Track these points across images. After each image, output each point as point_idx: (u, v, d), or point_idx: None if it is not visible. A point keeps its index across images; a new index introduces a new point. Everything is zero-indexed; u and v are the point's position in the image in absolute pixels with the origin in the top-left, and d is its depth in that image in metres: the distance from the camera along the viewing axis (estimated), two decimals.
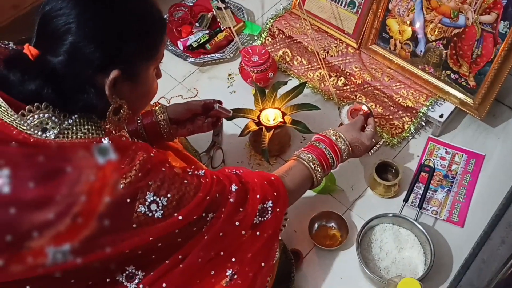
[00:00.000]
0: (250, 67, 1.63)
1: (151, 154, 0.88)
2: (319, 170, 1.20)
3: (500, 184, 1.42)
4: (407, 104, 1.52)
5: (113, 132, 0.92)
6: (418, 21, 1.49)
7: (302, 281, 1.33)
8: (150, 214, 0.84)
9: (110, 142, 0.84)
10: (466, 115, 1.55)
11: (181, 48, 1.81)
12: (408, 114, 1.54)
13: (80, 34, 0.81)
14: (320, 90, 1.68)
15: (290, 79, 1.72)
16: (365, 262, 1.30)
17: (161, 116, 1.25)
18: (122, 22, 0.85)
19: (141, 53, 0.88)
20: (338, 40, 1.69)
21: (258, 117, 1.48)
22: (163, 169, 0.88)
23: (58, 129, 0.83)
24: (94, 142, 0.83)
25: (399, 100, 1.54)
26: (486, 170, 1.48)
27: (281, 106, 1.50)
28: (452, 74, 1.48)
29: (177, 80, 1.78)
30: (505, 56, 1.35)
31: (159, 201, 0.85)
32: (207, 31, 1.83)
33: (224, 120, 1.62)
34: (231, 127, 1.62)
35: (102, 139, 0.84)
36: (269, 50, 1.70)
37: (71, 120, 0.84)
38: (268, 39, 1.79)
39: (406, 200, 1.38)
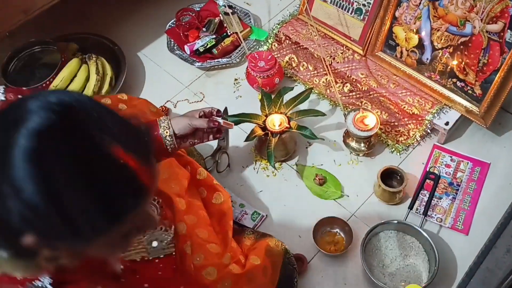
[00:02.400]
0: (257, 72, 1.64)
1: None
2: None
3: (505, 193, 1.43)
4: (413, 112, 1.53)
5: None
6: (425, 29, 1.50)
7: (306, 286, 1.33)
8: None
9: (51, 278, 0.69)
10: (471, 123, 1.55)
11: (188, 53, 1.82)
12: (414, 121, 1.54)
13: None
14: (326, 96, 1.69)
15: (296, 85, 1.72)
16: (370, 268, 1.30)
17: (166, 132, 1.16)
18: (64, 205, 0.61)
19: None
20: (344, 47, 1.69)
21: (264, 122, 1.49)
22: None
23: None
24: (26, 283, 0.69)
25: (404, 107, 1.54)
26: (491, 178, 1.48)
27: (287, 112, 1.51)
28: (458, 82, 1.48)
29: (183, 84, 1.79)
30: None
31: None
32: (214, 36, 1.84)
33: None
34: (236, 132, 1.62)
35: (39, 278, 0.69)
36: (276, 56, 1.71)
37: (4, 254, 0.67)
38: (274, 45, 1.80)
39: (411, 207, 1.39)
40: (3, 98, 0.94)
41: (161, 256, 1.00)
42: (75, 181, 0.60)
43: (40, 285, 0.69)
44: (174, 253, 1.04)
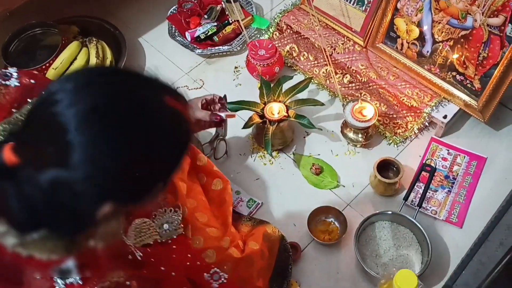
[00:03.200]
0: (257, 60, 1.64)
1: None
2: None
3: (500, 187, 1.43)
4: (411, 104, 1.53)
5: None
6: (426, 21, 1.50)
7: (299, 275, 1.34)
8: None
9: (76, 261, 0.71)
10: (470, 117, 1.55)
11: (189, 39, 1.82)
12: (412, 113, 1.54)
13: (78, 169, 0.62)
14: (325, 86, 1.69)
15: (296, 75, 1.72)
16: (363, 258, 1.31)
17: None
18: (140, 166, 0.66)
19: (150, 194, 0.72)
20: (345, 38, 1.69)
21: (263, 110, 1.49)
22: None
23: (19, 240, 0.69)
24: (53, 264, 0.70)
25: (403, 99, 1.54)
26: (487, 173, 1.48)
27: (286, 100, 1.51)
28: (457, 75, 1.48)
29: (183, 71, 1.79)
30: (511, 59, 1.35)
31: None
32: (215, 24, 1.83)
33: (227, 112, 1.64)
34: (235, 120, 1.61)
35: (66, 259, 0.71)
36: (276, 45, 1.70)
37: (36, 235, 0.69)
38: (275, 34, 1.79)
39: (406, 198, 1.39)
40: (17, 83, 0.93)
41: (174, 236, 1.02)
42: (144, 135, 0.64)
43: (65, 268, 0.70)
44: (184, 233, 1.06)
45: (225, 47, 1.79)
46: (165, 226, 1.02)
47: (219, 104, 1.29)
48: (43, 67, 1.62)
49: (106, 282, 0.74)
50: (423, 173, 1.43)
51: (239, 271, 1.17)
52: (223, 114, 1.26)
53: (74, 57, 1.66)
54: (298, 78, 1.67)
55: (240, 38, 1.81)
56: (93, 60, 1.66)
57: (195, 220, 1.22)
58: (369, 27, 1.62)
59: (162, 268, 0.93)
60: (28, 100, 0.90)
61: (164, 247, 1.02)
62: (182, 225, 1.07)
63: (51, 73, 1.63)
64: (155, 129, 0.66)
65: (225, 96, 1.68)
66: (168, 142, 0.68)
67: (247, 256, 1.20)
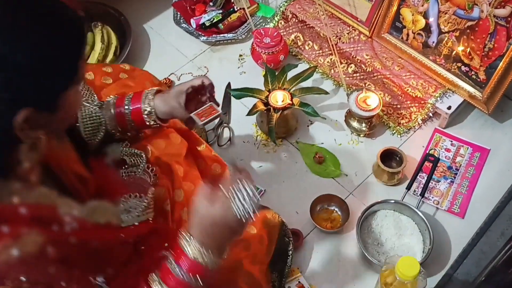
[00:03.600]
0: (262, 48, 1.64)
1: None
2: None
3: (503, 179, 1.44)
4: (416, 95, 1.53)
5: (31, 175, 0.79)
6: (432, 12, 1.49)
7: (301, 262, 1.34)
8: None
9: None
10: (474, 108, 1.55)
11: (194, 26, 1.81)
12: (416, 104, 1.54)
13: None
14: (329, 76, 1.69)
15: (300, 63, 1.72)
16: (365, 246, 1.31)
17: (146, 109, 1.13)
18: (28, 53, 0.70)
19: (56, 84, 0.75)
20: (350, 27, 1.69)
21: (267, 97, 1.49)
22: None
23: None
24: None
25: (408, 90, 1.54)
26: (490, 164, 1.48)
27: (290, 88, 1.51)
28: (462, 66, 1.48)
29: (188, 58, 1.79)
30: None
31: None
32: (221, 11, 1.83)
33: (232, 99, 1.64)
34: (239, 107, 1.63)
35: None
36: (281, 34, 1.70)
37: None
38: (281, 23, 1.79)
39: (408, 187, 1.39)
40: None
41: (136, 223, 0.97)
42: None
43: None
44: (151, 219, 1.01)
45: (230, 35, 1.79)
46: (128, 212, 0.98)
47: (207, 94, 1.19)
48: None
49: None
50: (426, 163, 1.43)
51: (234, 254, 1.15)
52: (198, 122, 1.14)
53: None
54: (302, 67, 1.67)
55: (245, 26, 1.81)
56: (98, 45, 1.66)
57: (192, 203, 1.22)
58: (374, 17, 1.62)
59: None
60: None
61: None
62: (150, 210, 1.01)
63: None
64: (50, 19, 0.73)
65: (229, 83, 1.70)
66: (64, 32, 0.74)
67: (244, 239, 1.19)
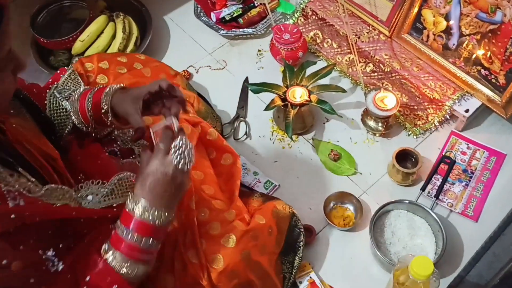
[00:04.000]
0: (281, 44, 1.64)
1: None
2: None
3: None
4: (434, 96, 1.53)
5: None
6: (454, 14, 1.49)
7: (313, 257, 1.35)
8: None
9: None
10: (491, 112, 1.55)
11: (214, 20, 1.82)
12: (434, 106, 1.54)
13: None
14: (347, 74, 1.69)
15: (319, 60, 1.73)
16: (377, 245, 1.32)
17: (104, 105, 1.06)
18: None
19: None
20: (370, 27, 1.69)
21: (285, 93, 1.50)
22: None
23: None
24: None
25: (426, 91, 1.54)
26: (506, 169, 1.48)
27: (308, 85, 1.52)
28: (482, 70, 1.48)
29: (207, 51, 1.80)
30: None
31: None
32: (241, 6, 1.84)
33: (250, 93, 1.65)
34: (256, 101, 1.64)
35: None
36: (301, 30, 1.71)
37: None
38: (300, 19, 1.80)
39: (423, 189, 1.40)
40: None
41: (97, 208, 0.96)
42: None
43: None
44: (114, 206, 0.97)
45: (250, 30, 1.80)
46: (89, 197, 0.95)
47: (176, 105, 1.02)
48: (70, 39, 1.64)
49: None
50: (442, 165, 1.43)
51: (243, 244, 1.16)
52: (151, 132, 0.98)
53: (101, 30, 1.67)
54: (320, 64, 1.68)
55: (265, 22, 1.82)
56: (119, 35, 1.67)
57: (201, 192, 1.22)
58: (395, 17, 1.62)
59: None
60: None
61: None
62: (113, 196, 0.98)
63: (77, 46, 1.64)
64: None
65: (246, 78, 1.71)
66: None
67: (252, 229, 1.19)
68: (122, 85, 1.10)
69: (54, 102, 1.13)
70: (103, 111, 1.06)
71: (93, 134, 1.15)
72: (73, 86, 1.22)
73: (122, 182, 1.00)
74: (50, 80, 1.26)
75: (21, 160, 0.88)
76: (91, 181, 0.97)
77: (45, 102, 1.13)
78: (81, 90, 1.15)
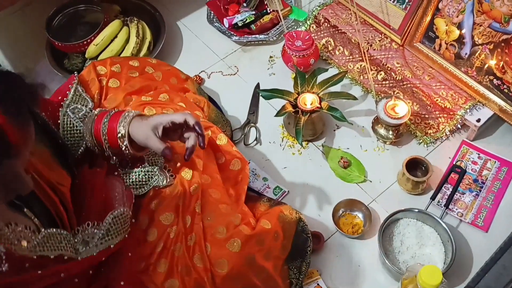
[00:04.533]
0: (293, 51, 1.65)
1: None
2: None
3: None
4: (445, 105, 1.52)
5: None
6: (467, 23, 1.49)
7: (320, 264, 1.35)
8: None
9: None
10: (503, 123, 1.54)
11: (226, 26, 1.84)
12: (445, 115, 1.54)
13: None
14: (359, 82, 1.69)
15: (330, 68, 1.73)
16: (386, 253, 1.31)
17: (121, 131, 1.09)
18: None
19: None
20: (382, 35, 1.69)
21: (296, 99, 1.50)
22: None
23: None
24: None
25: (437, 100, 1.54)
26: None
27: (320, 92, 1.52)
28: (495, 80, 1.47)
29: (219, 57, 1.81)
30: None
31: None
32: (254, 12, 1.85)
33: (260, 99, 1.66)
34: (266, 107, 1.65)
35: None
36: (313, 37, 1.71)
37: None
38: (312, 27, 1.80)
39: (433, 198, 1.39)
40: None
41: (94, 254, 0.94)
42: None
43: None
44: (112, 246, 0.97)
45: (262, 36, 1.81)
46: (85, 244, 0.94)
47: (193, 134, 1.10)
48: (84, 42, 1.66)
49: None
50: (452, 174, 1.42)
51: (248, 248, 1.16)
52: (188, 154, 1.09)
53: (115, 35, 1.69)
54: (332, 71, 1.68)
55: (277, 28, 1.83)
56: (133, 39, 1.69)
57: (207, 196, 1.22)
58: (407, 25, 1.62)
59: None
60: None
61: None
62: (112, 234, 0.98)
63: (91, 49, 1.66)
64: None
65: (258, 84, 1.71)
66: None
67: (257, 233, 1.19)
68: (139, 112, 1.13)
69: (68, 123, 1.14)
70: (119, 135, 1.08)
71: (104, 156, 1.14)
72: (80, 103, 1.21)
73: (117, 220, 0.99)
74: (60, 95, 1.24)
75: (28, 196, 0.85)
76: (87, 223, 0.96)
77: (58, 121, 1.14)
78: (95, 112, 1.16)
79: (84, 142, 1.13)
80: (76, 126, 1.14)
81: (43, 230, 0.85)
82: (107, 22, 1.70)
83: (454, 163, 1.49)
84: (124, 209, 1.01)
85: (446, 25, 1.54)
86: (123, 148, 1.09)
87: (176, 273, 1.10)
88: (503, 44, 1.43)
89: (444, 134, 1.55)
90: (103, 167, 1.13)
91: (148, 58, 1.54)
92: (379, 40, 1.68)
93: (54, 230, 0.87)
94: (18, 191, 0.78)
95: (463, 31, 1.50)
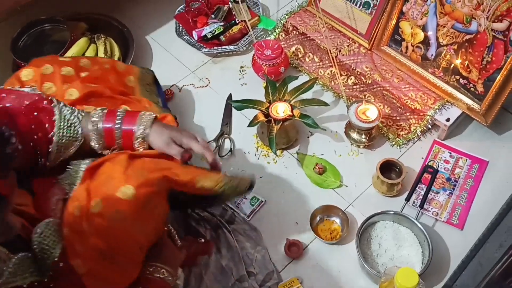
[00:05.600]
0: (263, 60, 1.66)
1: None
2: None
3: (501, 190, 1.45)
4: (415, 107, 1.54)
5: None
6: (431, 25, 1.51)
7: (300, 272, 1.35)
8: None
9: None
10: (472, 120, 1.57)
11: (196, 38, 1.84)
12: (415, 116, 1.56)
13: None
14: (330, 88, 1.71)
15: (301, 75, 1.74)
16: (364, 257, 1.32)
17: (140, 133, 1.10)
18: None
19: None
20: (350, 40, 1.71)
21: (268, 109, 1.51)
22: None
23: None
24: None
25: (407, 102, 1.56)
26: (488, 176, 1.49)
27: (291, 100, 1.53)
28: (461, 79, 1.50)
29: (189, 69, 1.81)
30: None
31: None
32: (222, 23, 1.86)
33: (233, 110, 1.66)
34: (240, 118, 1.65)
35: None
36: (282, 46, 1.72)
37: None
38: (281, 35, 1.81)
39: (408, 199, 1.41)
40: None
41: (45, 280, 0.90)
42: None
43: None
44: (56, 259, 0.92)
45: (231, 47, 1.81)
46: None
47: (208, 153, 1.15)
48: None
49: None
50: (425, 174, 1.44)
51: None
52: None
53: (82, 53, 1.68)
54: (303, 78, 1.69)
55: (246, 38, 1.83)
56: (101, 56, 1.68)
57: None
58: (374, 29, 1.64)
59: None
60: None
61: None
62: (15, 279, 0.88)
63: None
64: None
65: (230, 95, 1.72)
66: None
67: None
68: (156, 114, 1.14)
69: (64, 120, 1.07)
70: (139, 139, 1.09)
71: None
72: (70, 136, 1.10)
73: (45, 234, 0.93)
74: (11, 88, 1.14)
75: None
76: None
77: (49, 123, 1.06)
78: (93, 112, 1.11)
79: (78, 143, 1.08)
80: (74, 125, 1.08)
81: (12, 256, 0.83)
82: (74, 40, 1.68)
83: (426, 163, 1.51)
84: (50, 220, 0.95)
85: (411, 28, 1.56)
86: (139, 148, 1.11)
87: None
88: (466, 44, 1.46)
89: (416, 135, 1.57)
90: (45, 175, 1.07)
91: (80, 62, 1.37)
92: (348, 46, 1.70)
93: (23, 254, 0.85)
94: (5, 235, 0.79)
95: (428, 33, 1.53)
